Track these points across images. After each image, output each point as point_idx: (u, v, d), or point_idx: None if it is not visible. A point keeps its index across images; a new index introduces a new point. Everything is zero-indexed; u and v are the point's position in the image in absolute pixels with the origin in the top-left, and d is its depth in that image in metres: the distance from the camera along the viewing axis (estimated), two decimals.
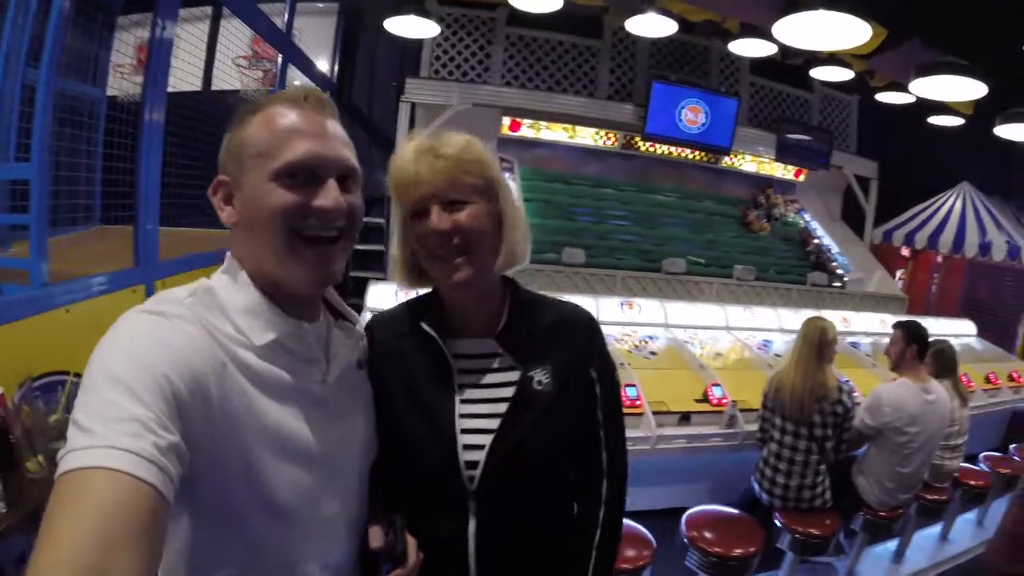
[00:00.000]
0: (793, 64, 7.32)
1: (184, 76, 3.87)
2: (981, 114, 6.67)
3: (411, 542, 1.23)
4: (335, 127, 1.11)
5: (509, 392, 1.33)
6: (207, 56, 6.49)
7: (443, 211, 1.24)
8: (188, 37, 3.52)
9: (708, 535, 3.05)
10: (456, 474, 1.30)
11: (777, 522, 3.41)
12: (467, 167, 1.26)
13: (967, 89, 4.74)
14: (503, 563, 1.35)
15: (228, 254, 1.11)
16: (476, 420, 1.32)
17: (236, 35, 6.29)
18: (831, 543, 3.43)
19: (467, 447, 1.30)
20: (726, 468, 4.00)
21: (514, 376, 1.34)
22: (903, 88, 6.64)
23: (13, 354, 2.41)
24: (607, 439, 1.43)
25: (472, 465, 1.30)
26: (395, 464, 1.37)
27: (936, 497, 3.91)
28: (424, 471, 1.35)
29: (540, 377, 1.33)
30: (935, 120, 7.37)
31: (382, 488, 1.36)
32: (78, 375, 2.55)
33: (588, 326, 1.44)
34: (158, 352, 0.87)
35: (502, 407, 1.32)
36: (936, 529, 4.51)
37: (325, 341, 1.17)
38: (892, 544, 4.20)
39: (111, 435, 0.76)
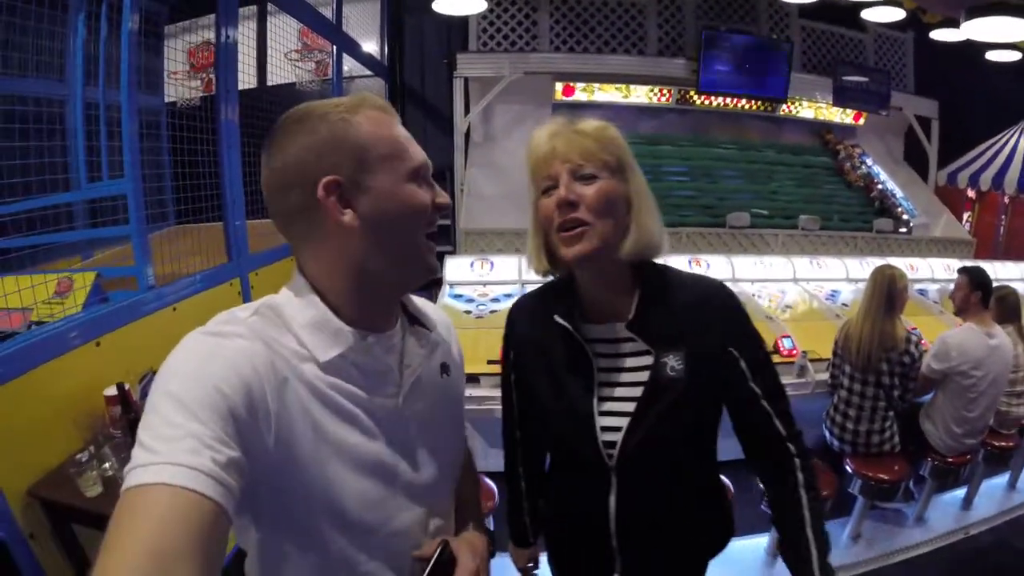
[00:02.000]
0: (843, 4, 7.16)
1: (240, 75, 4.04)
2: None
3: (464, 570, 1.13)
4: None
5: (643, 376, 1.33)
6: (259, 53, 6.67)
7: (571, 183, 1.26)
8: (239, 37, 3.67)
9: None
10: (596, 454, 1.36)
11: (848, 467, 3.48)
12: (603, 144, 1.29)
13: (1019, 29, 4.63)
14: (644, 535, 1.42)
15: (295, 269, 1.09)
16: (614, 403, 1.36)
17: (285, 30, 6.47)
18: (900, 488, 3.48)
19: (605, 428, 1.35)
20: (797, 415, 3.98)
21: (648, 361, 1.34)
22: (956, 24, 6.48)
23: (131, 352, 2.64)
24: (774, 407, 1.39)
25: (611, 445, 1.35)
26: (542, 437, 1.50)
27: (1003, 444, 3.89)
28: (567, 451, 1.46)
29: (673, 363, 1.31)
30: (993, 56, 7.15)
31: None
32: None
33: (724, 303, 1.39)
34: (215, 371, 0.87)
35: (638, 391, 1.33)
36: (1004, 478, 4.47)
37: (399, 351, 1.14)
38: (960, 492, 4.20)
39: (171, 452, 0.77)
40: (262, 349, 0.94)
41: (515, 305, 1.56)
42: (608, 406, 1.36)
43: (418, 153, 1.07)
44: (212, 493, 0.77)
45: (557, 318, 1.38)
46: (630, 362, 1.37)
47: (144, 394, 2.47)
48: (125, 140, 2.78)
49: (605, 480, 1.38)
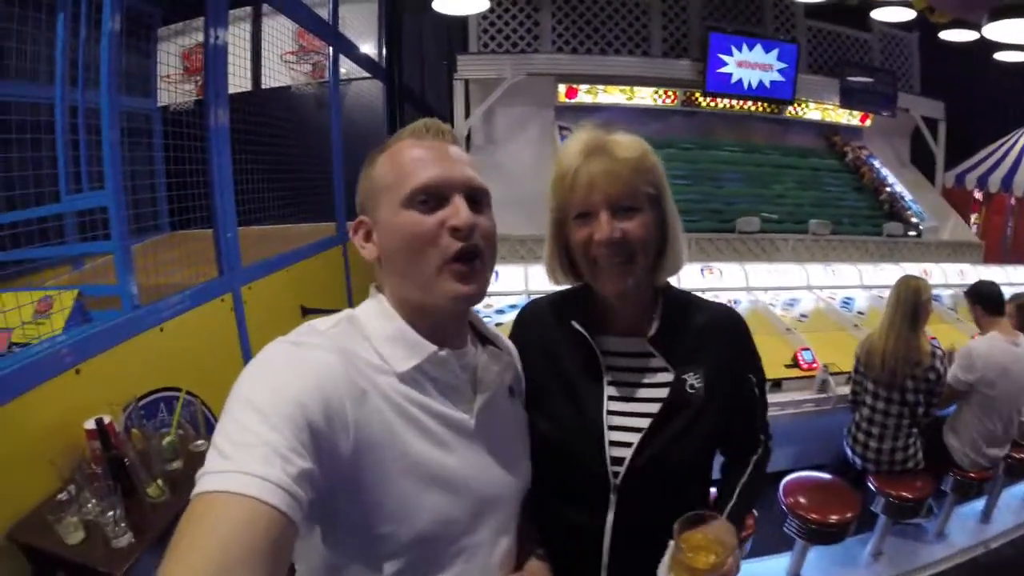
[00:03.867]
0: (849, 4, 7.09)
1: (234, 78, 3.91)
2: None
3: None
4: (457, 151, 1.13)
5: (660, 393, 1.32)
6: (253, 55, 6.55)
7: (612, 218, 1.23)
8: (232, 40, 3.53)
9: (805, 502, 3.10)
10: (601, 468, 1.30)
11: (871, 485, 3.41)
12: (645, 175, 1.26)
13: None
14: (636, 555, 1.33)
15: (372, 286, 1.16)
16: (624, 418, 1.33)
17: (280, 31, 6.32)
18: (924, 506, 3.44)
19: (613, 443, 1.30)
20: (817, 430, 3.96)
21: (667, 378, 1.33)
22: (965, 24, 6.39)
23: (114, 380, 2.47)
24: (761, 426, 1.51)
25: (617, 461, 1.30)
26: (539, 447, 1.39)
27: None
28: (570, 459, 1.35)
29: (692, 381, 1.31)
30: (1001, 56, 7.07)
31: (532, 522, 1.38)
32: (189, 393, 2.62)
33: (739, 329, 1.43)
34: (293, 381, 0.89)
35: (652, 407, 1.31)
36: (1022, 487, 4.44)
37: (473, 369, 1.17)
38: (979, 504, 4.17)
39: (243, 460, 0.79)
40: (341, 361, 0.97)
41: (526, 308, 1.55)
42: (618, 421, 1.33)
43: (422, 175, 1.06)
44: (281, 504, 0.78)
45: (575, 324, 1.36)
46: (646, 378, 1.35)
47: (129, 426, 2.31)
48: (106, 149, 2.59)
49: (604, 497, 1.32)
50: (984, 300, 3.64)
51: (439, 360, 1.08)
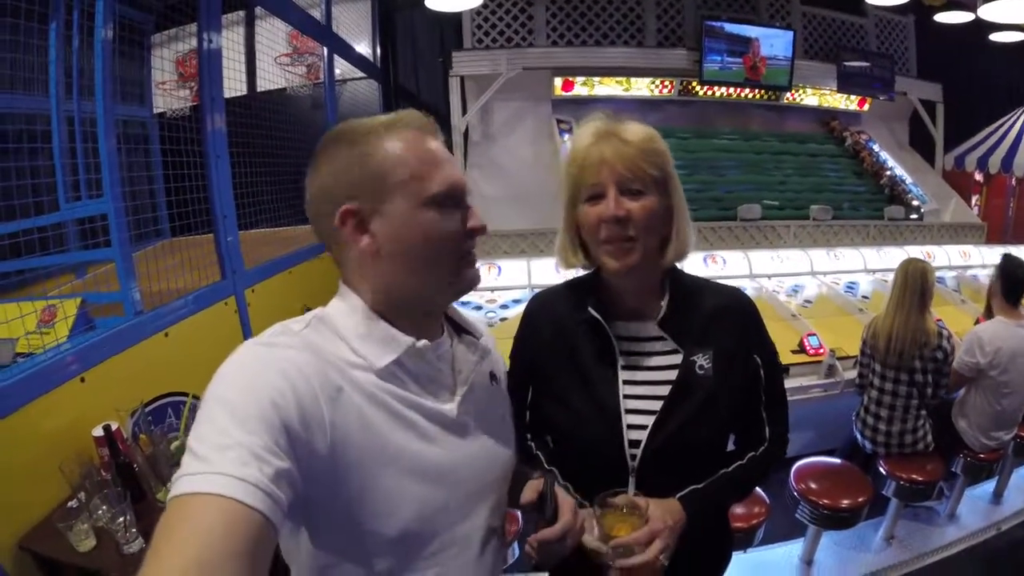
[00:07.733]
0: None
1: (229, 82, 3.91)
2: None
3: (566, 503, 1.22)
4: None
5: (671, 375, 1.36)
6: (247, 59, 6.52)
7: (619, 197, 1.28)
8: (226, 44, 3.50)
9: (816, 487, 3.10)
10: (619, 451, 1.35)
11: (881, 469, 3.41)
12: (651, 157, 1.30)
13: None
14: None
15: (341, 282, 1.13)
16: (638, 401, 1.36)
17: (274, 34, 6.31)
18: (935, 488, 3.43)
19: (630, 427, 1.35)
20: (826, 415, 3.97)
21: (676, 359, 1.37)
22: (960, 6, 6.37)
23: (120, 385, 2.47)
24: (770, 415, 1.48)
25: (634, 444, 1.35)
26: (557, 437, 1.45)
27: None
28: (588, 446, 1.40)
29: (702, 362, 1.35)
30: (997, 37, 7.08)
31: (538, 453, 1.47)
32: (196, 397, 2.61)
33: (748, 311, 1.46)
34: (266, 382, 0.89)
35: (663, 389, 1.35)
36: None
37: (450, 359, 1.17)
38: (989, 485, 4.18)
39: (220, 462, 0.78)
40: (314, 359, 0.96)
41: (534, 299, 1.57)
42: (633, 404, 1.36)
43: (445, 176, 1.06)
44: (258, 504, 0.78)
45: (591, 310, 1.39)
46: (658, 360, 1.39)
47: (136, 432, 2.31)
48: (103, 157, 2.59)
49: (623, 479, 1.37)
50: (1005, 275, 3.49)
51: (416, 352, 1.07)
